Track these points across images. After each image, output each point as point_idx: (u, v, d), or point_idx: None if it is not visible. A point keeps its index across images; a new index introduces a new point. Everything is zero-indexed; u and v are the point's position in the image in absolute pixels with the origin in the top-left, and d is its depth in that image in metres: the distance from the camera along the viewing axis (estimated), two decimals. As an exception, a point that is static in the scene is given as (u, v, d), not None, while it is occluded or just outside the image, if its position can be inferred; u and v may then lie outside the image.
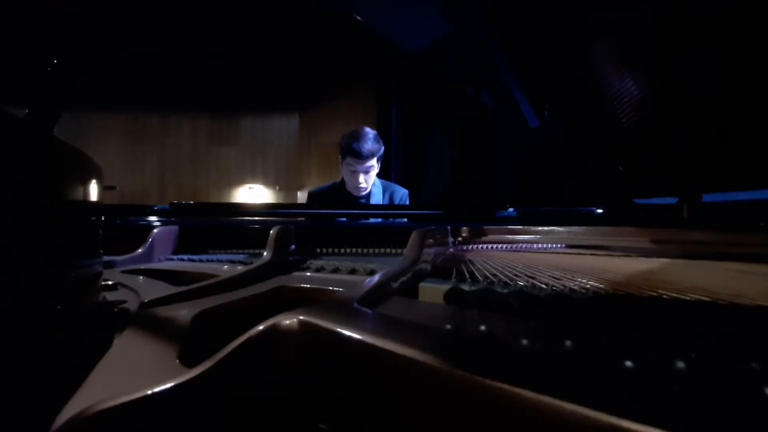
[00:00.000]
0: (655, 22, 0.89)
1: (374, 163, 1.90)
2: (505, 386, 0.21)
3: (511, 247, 1.06)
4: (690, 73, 0.89)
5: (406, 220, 1.51)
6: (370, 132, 1.90)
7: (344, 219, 1.49)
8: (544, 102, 1.58)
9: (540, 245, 1.08)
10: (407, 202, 2.09)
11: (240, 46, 4.72)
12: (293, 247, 1.01)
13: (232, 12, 4.18)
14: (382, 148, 1.93)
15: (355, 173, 1.88)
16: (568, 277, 0.55)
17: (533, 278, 0.55)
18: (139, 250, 1.06)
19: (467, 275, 0.59)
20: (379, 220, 1.54)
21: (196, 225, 1.31)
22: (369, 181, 1.93)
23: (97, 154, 0.52)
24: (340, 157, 1.94)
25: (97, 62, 3.91)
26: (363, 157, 1.83)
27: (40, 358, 0.37)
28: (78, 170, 0.47)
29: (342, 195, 1.98)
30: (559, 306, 0.41)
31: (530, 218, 1.31)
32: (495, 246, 1.08)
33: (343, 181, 2.00)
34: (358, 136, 1.86)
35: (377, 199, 1.99)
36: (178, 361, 0.37)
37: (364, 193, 1.95)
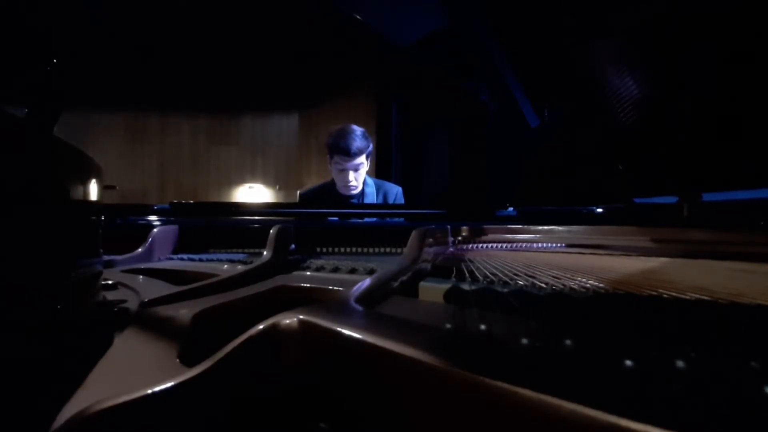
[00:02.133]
0: (655, 21, 0.89)
1: (363, 161, 1.86)
2: (505, 385, 0.21)
3: (511, 247, 1.06)
4: (690, 72, 0.89)
5: (405, 219, 1.51)
6: (357, 129, 1.87)
7: (344, 219, 1.48)
8: (544, 101, 1.58)
9: (540, 244, 1.08)
10: (402, 200, 2.07)
11: (240, 46, 4.71)
12: (293, 246, 1.01)
13: (233, 11, 4.18)
14: (371, 145, 1.89)
15: (344, 171, 1.85)
16: (568, 276, 0.55)
17: (533, 277, 0.55)
18: (139, 250, 1.06)
19: (467, 274, 0.59)
20: (378, 219, 1.54)
21: (196, 224, 1.31)
22: (359, 179, 1.89)
23: (97, 154, 0.52)
24: (328, 156, 1.91)
25: (97, 61, 3.91)
26: (351, 155, 1.79)
27: (40, 358, 0.37)
28: (78, 170, 0.47)
29: (333, 195, 1.95)
30: (559, 305, 0.41)
31: (530, 217, 1.31)
32: (495, 245, 1.08)
33: (333, 182, 1.97)
34: (345, 134, 1.82)
35: (371, 198, 1.96)
36: (178, 360, 0.37)
37: (354, 191, 1.92)
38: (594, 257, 0.85)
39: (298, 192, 2.20)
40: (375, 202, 1.98)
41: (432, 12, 2.89)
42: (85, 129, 4.98)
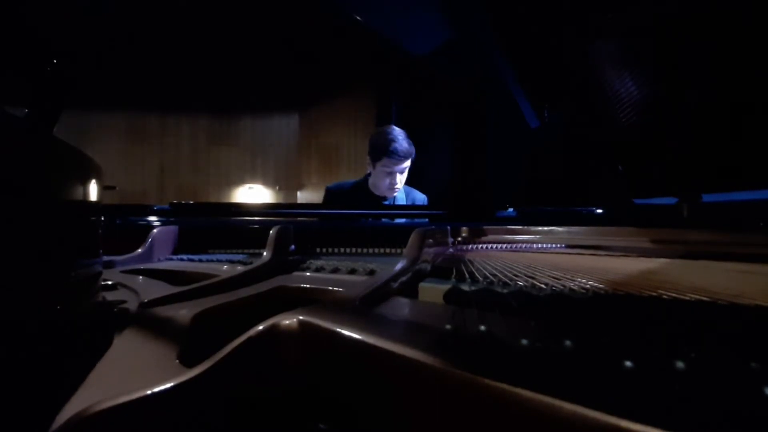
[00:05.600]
0: (655, 22, 0.89)
1: (409, 164, 1.88)
2: (505, 386, 0.21)
3: (511, 247, 1.06)
4: (690, 73, 0.89)
5: (405, 220, 1.51)
6: (402, 132, 1.88)
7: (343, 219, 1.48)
8: (544, 102, 1.58)
9: (540, 245, 1.08)
10: None
11: (240, 46, 4.71)
12: (293, 247, 1.01)
13: (233, 11, 4.18)
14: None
15: (392, 174, 1.86)
16: (568, 277, 0.55)
17: (533, 278, 0.55)
18: (139, 250, 1.06)
19: (467, 275, 0.58)
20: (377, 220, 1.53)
21: (196, 225, 1.30)
22: (403, 181, 1.91)
23: (97, 154, 0.52)
24: (369, 157, 1.90)
25: (97, 61, 3.91)
26: (402, 158, 1.81)
27: (40, 358, 0.37)
28: (78, 170, 0.47)
29: (364, 194, 1.95)
30: (558, 306, 0.41)
31: (530, 218, 1.31)
32: (495, 246, 1.08)
33: (365, 180, 1.97)
34: (395, 137, 1.82)
35: (401, 201, 1.98)
36: (177, 361, 0.37)
37: (395, 194, 1.94)
38: (594, 258, 0.85)
39: (326, 186, 2.14)
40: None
41: (436, 19, 2.86)
42: (85, 129, 4.98)
